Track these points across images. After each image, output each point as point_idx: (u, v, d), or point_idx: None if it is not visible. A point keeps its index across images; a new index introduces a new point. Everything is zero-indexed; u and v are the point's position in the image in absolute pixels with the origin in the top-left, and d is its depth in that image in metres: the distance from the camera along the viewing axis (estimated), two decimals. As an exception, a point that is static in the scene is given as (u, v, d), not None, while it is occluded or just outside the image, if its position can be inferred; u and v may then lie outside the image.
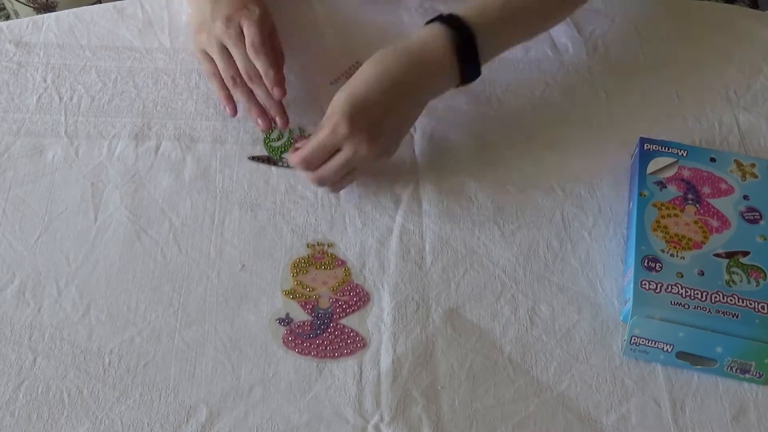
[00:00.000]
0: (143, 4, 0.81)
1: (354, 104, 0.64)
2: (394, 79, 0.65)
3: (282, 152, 0.72)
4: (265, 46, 0.70)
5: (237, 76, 0.71)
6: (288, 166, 0.71)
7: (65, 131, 0.72)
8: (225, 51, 0.71)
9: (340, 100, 0.64)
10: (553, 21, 0.75)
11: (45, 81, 0.75)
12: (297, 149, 0.67)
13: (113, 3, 0.81)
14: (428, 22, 0.68)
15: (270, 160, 0.71)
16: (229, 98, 0.72)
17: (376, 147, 0.65)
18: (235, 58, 0.71)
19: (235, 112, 0.73)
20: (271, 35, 0.74)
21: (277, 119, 0.72)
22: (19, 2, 0.96)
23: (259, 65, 0.70)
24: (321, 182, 0.67)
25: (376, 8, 0.82)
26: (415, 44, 0.66)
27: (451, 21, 0.66)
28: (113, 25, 0.79)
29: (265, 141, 0.73)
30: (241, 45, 0.70)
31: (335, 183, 0.68)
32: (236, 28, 0.70)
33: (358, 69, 0.67)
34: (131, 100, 0.74)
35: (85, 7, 0.80)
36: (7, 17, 1.08)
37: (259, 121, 0.72)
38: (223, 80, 0.72)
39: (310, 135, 0.70)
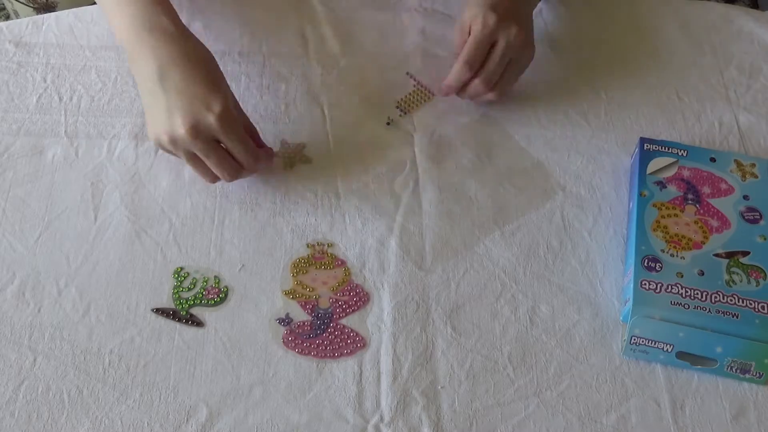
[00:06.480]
0: (143, 4, 0.81)
1: None
2: None
3: (191, 305, 0.63)
4: (254, 153, 0.65)
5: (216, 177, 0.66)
6: (195, 324, 0.63)
7: (65, 131, 0.72)
8: (195, 158, 0.64)
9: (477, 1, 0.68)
10: None
11: (45, 81, 0.75)
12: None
13: (113, 3, 0.81)
14: None
15: (176, 314, 0.63)
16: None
17: (523, 32, 0.69)
18: (209, 165, 0.64)
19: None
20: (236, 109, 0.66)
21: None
22: (19, 2, 0.96)
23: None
24: (489, 82, 0.70)
25: (376, 8, 0.82)
26: None
27: None
28: (113, 25, 0.79)
29: (175, 289, 0.64)
30: (216, 154, 0.63)
31: (502, 84, 0.71)
32: (205, 139, 0.62)
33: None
34: (131, 100, 0.74)
35: (85, 7, 0.80)
36: (7, 17, 1.08)
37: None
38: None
39: (226, 287, 0.64)
